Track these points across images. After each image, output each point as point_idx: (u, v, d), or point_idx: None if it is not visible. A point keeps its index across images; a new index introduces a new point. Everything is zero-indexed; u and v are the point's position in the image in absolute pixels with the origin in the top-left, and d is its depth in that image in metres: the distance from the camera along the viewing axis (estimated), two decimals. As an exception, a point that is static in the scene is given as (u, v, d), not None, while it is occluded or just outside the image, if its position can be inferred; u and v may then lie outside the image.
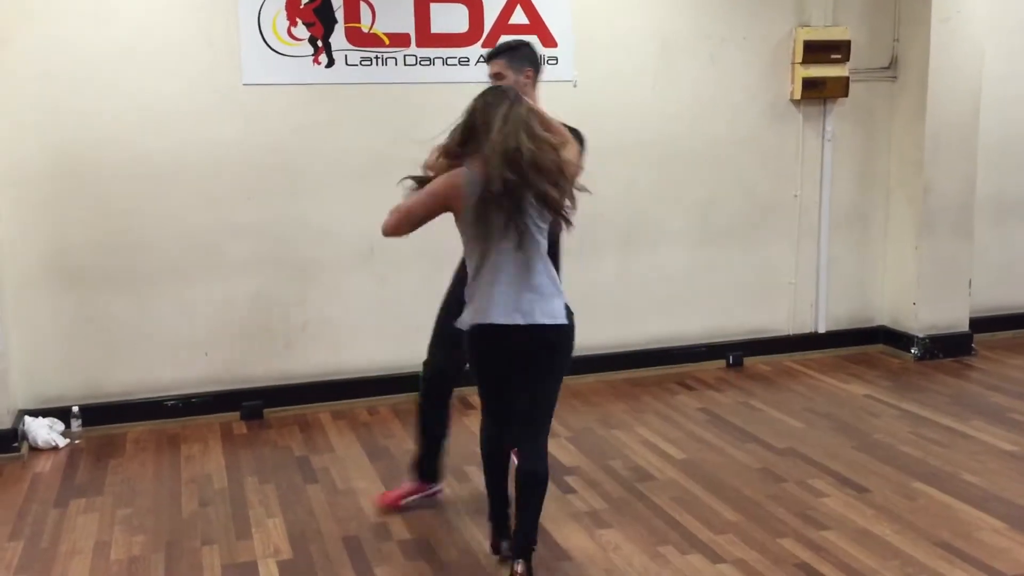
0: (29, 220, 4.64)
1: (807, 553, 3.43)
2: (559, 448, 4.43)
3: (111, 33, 4.63)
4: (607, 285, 5.54)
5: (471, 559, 3.44)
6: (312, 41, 4.90)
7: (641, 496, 3.94)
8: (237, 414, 4.99)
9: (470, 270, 3.11)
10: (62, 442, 4.63)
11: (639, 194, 5.54)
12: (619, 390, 5.37)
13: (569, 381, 5.31)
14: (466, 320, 3.13)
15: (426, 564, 3.41)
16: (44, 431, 4.60)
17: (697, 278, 5.77)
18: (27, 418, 4.63)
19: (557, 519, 3.73)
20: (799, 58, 5.66)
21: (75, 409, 4.75)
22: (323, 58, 4.92)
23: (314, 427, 4.86)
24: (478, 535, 3.61)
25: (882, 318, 6.20)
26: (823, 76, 5.68)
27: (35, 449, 4.57)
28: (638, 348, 5.67)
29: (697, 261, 5.76)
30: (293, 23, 4.86)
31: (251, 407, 4.99)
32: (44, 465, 4.42)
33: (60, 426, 4.71)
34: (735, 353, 5.84)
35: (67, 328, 4.76)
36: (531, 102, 3.19)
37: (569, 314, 3.11)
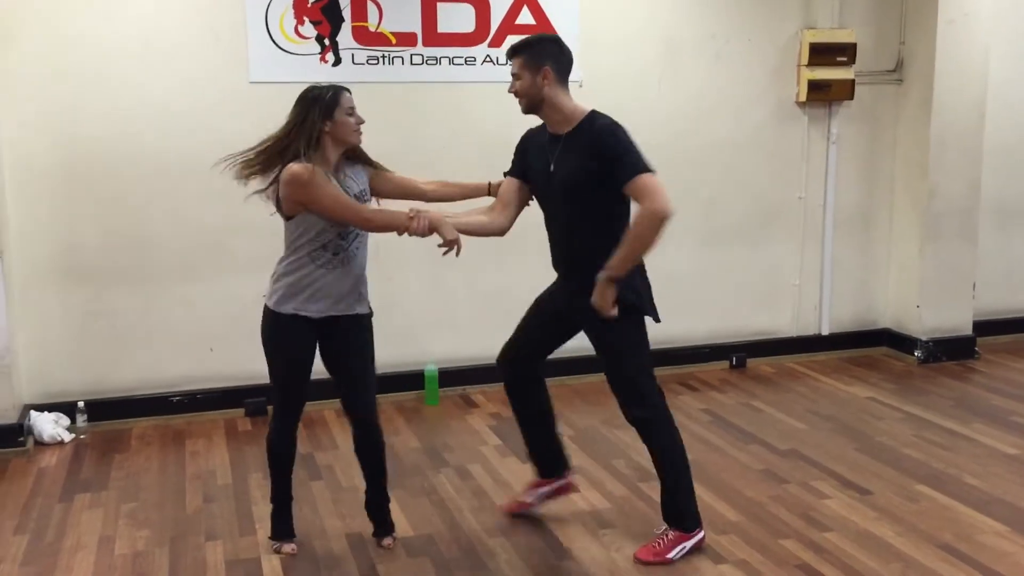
0: (37, 216, 4.66)
1: (809, 554, 3.44)
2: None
3: (119, 30, 4.65)
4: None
5: (473, 556, 3.45)
6: (319, 39, 4.92)
7: (644, 496, 3.95)
8: (242, 410, 5.01)
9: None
10: (67, 437, 4.65)
11: (644, 195, 5.55)
12: (622, 390, 5.38)
13: (573, 380, 5.39)
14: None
15: (429, 561, 3.42)
16: (50, 426, 4.62)
17: (701, 279, 5.78)
18: (33, 413, 4.66)
19: (560, 518, 3.74)
20: (805, 60, 5.67)
21: (80, 404, 4.77)
22: (330, 56, 4.94)
23: (318, 424, 4.87)
24: (481, 532, 3.63)
25: (885, 321, 6.21)
26: (829, 78, 5.69)
27: (40, 444, 4.59)
28: (642, 348, 5.67)
29: (701, 262, 5.77)
30: (300, 21, 4.87)
31: (255, 404, 5.00)
32: (49, 460, 4.44)
33: (66, 421, 4.73)
34: (738, 354, 5.85)
35: (73, 323, 4.79)
36: None
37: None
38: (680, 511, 3.43)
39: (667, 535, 3.41)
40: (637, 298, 3.32)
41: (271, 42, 4.85)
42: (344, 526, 3.71)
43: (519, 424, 3.70)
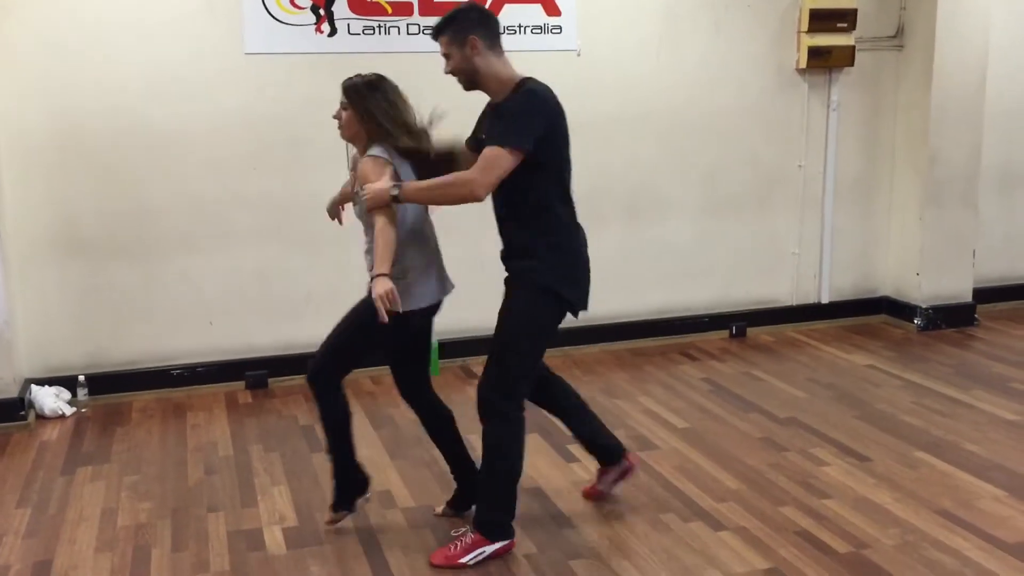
0: (35, 190, 4.65)
1: (808, 521, 3.46)
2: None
3: (114, 2, 4.61)
4: (611, 256, 5.52)
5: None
6: (314, 10, 4.87)
7: (644, 465, 3.96)
8: (242, 383, 5.02)
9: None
10: (69, 411, 4.66)
11: (643, 165, 5.53)
12: (622, 360, 5.39)
13: (572, 351, 5.40)
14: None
15: (430, 532, 3.43)
16: (51, 400, 4.63)
17: (701, 249, 5.77)
18: (34, 387, 4.67)
19: (560, 488, 3.76)
20: (805, 27, 5.62)
21: (81, 378, 4.78)
22: (325, 27, 4.90)
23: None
24: (481, 503, 3.65)
25: (885, 289, 6.20)
26: (829, 45, 5.65)
27: (42, 417, 4.61)
28: (641, 318, 5.68)
29: (701, 232, 5.75)
30: (295, -9, 4.83)
31: (256, 376, 5.02)
32: (51, 433, 4.46)
33: (67, 395, 4.74)
34: (738, 323, 5.86)
35: (73, 297, 4.78)
36: None
37: None
38: (490, 520, 3.22)
39: (465, 537, 3.20)
40: (554, 280, 3.16)
41: (266, 13, 4.80)
42: (345, 497, 3.72)
43: (560, 420, 3.64)
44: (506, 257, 3.27)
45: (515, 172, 3.00)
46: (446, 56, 3.14)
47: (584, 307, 3.27)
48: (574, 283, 3.23)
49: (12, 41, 4.50)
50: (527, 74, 3.18)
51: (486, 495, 3.25)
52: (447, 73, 3.18)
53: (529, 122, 3.00)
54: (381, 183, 3.05)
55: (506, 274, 3.28)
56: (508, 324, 3.19)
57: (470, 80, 3.14)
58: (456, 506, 3.52)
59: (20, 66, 4.53)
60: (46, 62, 4.57)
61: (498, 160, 2.96)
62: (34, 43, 4.54)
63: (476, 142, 3.20)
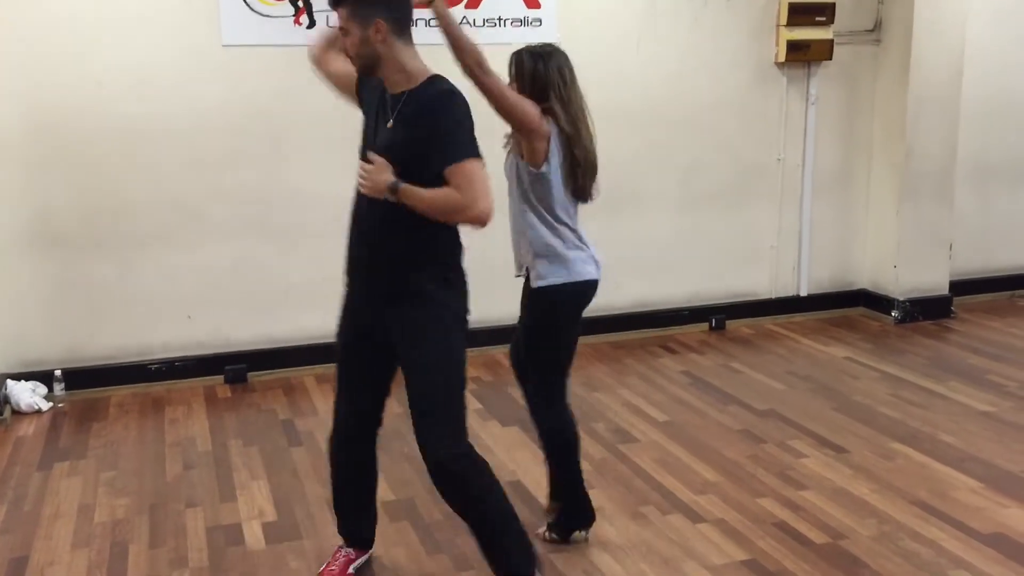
0: (10, 184, 4.59)
1: (785, 512, 3.48)
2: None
3: (88, -8, 4.57)
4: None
5: (455, 520, 3.46)
6: (293, 1, 4.84)
7: (623, 457, 3.98)
8: (221, 378, 4.99)
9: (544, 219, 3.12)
10: (45, 406, 4.62)
11: (622, 159, 5.52)
12: (602, 353, 5.40)
13: (552, 344, 5.39)
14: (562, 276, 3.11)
15: (410, 525, 3.44)
16: (27, 395, 4.59)
17: (680, 242, 5.79)
18: (9, 382, 4.62)
19: (540, 481, 3.76)
20: (784, 20, 5.64)
21: (58, 373, 4.74)
22: (304, 19, 4.87)
23: (298, 390, 4.87)
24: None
25: (863, 281, 6.25)
26: (807, 39, 5.67)
27: (18, 413, 4.56)
28: (621, 312, 5.69)
29: (680, 225, 5.77)
30: (273, -17, 4.79)
31: (235, 371, 4.99)
32: (27, 429, 4.42)
33: (43, 390, 4.70)
34: (717, 316, 5.88)
35: (49, 292, 4.74)
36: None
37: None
38: (508, 566, 2.84)
39: None
40: (455, 301, 2.79)
41: (244, 4, 4.77)
42: (325, 492, 3.69)
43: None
44: (385, 271, 2.79)
45: (430, 178, 2.64)
46: (343, 31, 2.71)
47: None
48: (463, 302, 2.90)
49: (-15, 32, 4.45)
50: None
51: (497, 546, 2.86)
52: (340, 51, 2.88)
53: (470, 127, 2.68)
54: (388, 173, 2.66)
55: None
56: (437, 376, 2.79)
57: (367, 66, 2.73)
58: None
59: (-7, 57, 4.48)
60: (21, 56, 4.51)
61: (480, 174, 2.62)
62: (9, 37, 4.48)
63: (375, 138, 2.79)
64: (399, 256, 2.74)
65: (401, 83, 2.73)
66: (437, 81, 2.73)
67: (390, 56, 2.70)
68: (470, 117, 2.68)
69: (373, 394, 2.96)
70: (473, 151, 2.65)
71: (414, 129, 2.68)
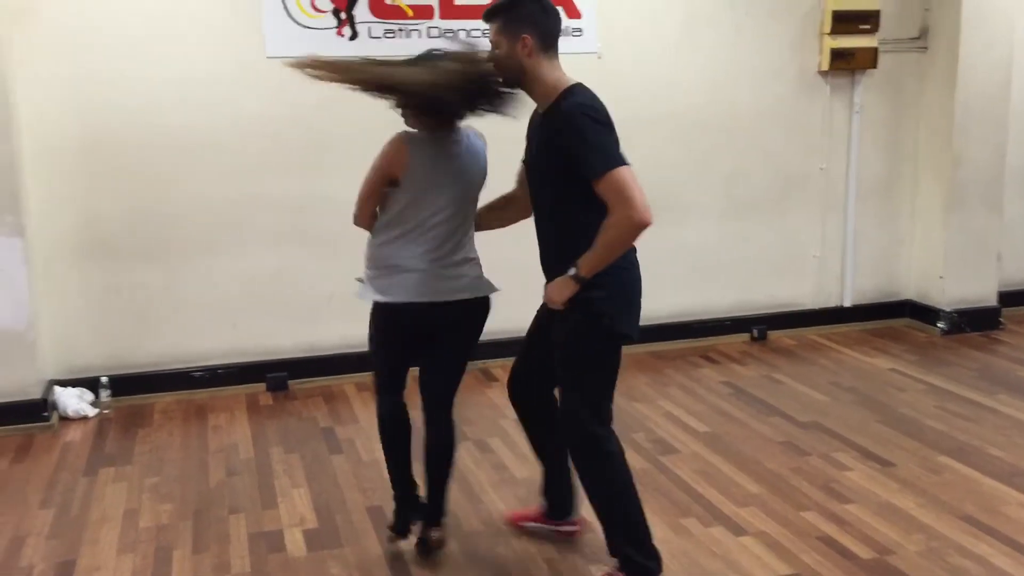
0: (58, 192, 4.68)
1: (830, 526, 3.43)
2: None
3: (137, 4, 4.65)
4: (631, 258, 5.52)
5: (493, 529, 3.47)
6: (335, 13, 4.89)
7: (664, 469, 3.95)
8: (263, 385, 5.04)
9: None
10: (91, 412, 4.70)
11: (664, 167, 5.50)
12: (642, 363, 5.37)
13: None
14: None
15: (448, 531, 3.43)
16: (74, 401, 4.67)
17: (722, 251, 5.74)
18: (57, 388, 4.70)
19: (580, 491, 3.73)
20: (827, 28, 5.58)
21: (104, 379, 4.81)
22: (346, 30, 4.91)
23: (339, 398, 4.90)
24: (501, 505, 3.64)
25: (909, 292, 6.15)
26: (852, 47, 5.61)
27: (65, 419, 4.64)
28: (661, 321, 5.65)
29: (722, 234, 5.73)
30: (316, -5, 4.85)
31: (276, 378, 5.03)
32: (74, 434, 4.49)
33: (89, 396, 4.78)
34: (759, 327, 5.82)
35: (96, 299, 4.82)
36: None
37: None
38: (622, 551, 2.98)
39: None
40: (610, 309, 2.87)
41: (287, 16, 4.82)
42: (365, 499, 3.73)
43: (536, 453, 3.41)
44: (553, 270, 2.97)
45: (580, 183, 2.76)
46: (493, 44, 2.89)
47: (633, 334, 3.00)
48: (625, 311, 2.99)
49: (35, 43, 4.54)
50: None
51: (612, 528, 3.01)
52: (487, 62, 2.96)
53: (607, 135, 2.76)
54: (561, 292, 2.84)
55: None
56: (584, 372, 2.96)
57: (512, 79, 2.90)
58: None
59: (44, 69, 4.57)
60: (69, 64, 4.60)
61: (629, 181, 2.69)
62: (58, 47, 4.57)
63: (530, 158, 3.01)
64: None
65: (542, 99, 2.89)
66: (568, 96, 2.81)
67: (534, 71, 2.84)
68: (598, 125, 2.73)
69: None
70: (605, 163, 2.69)
71: (552, 143, 2.82)
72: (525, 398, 3.29)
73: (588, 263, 2.78)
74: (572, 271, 2.80)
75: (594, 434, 2.93)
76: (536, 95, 2.91)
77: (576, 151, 2.73)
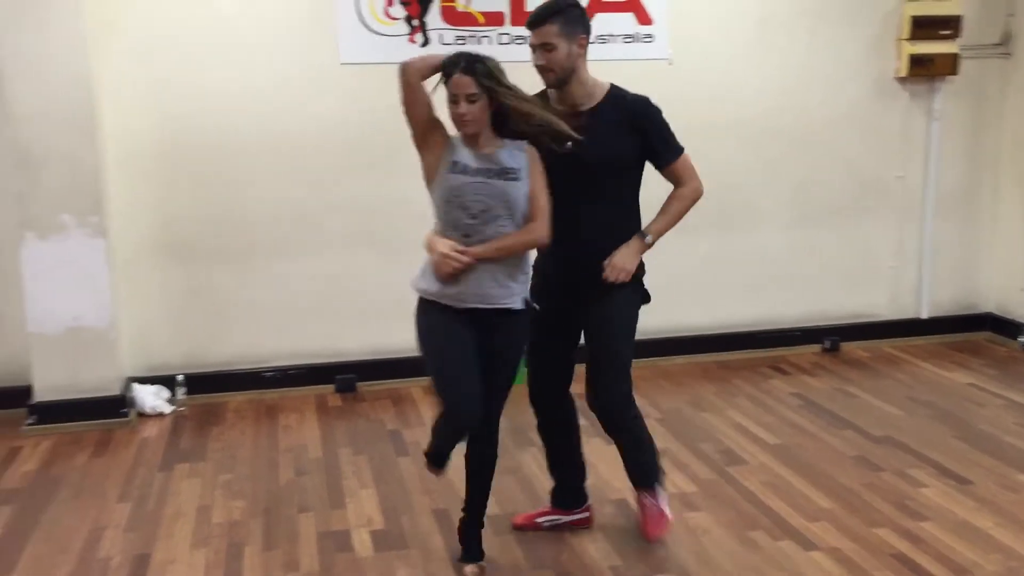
0: (139, 195, 4.83)
1: (904, 544, 3.34)
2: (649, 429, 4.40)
3: (216, 12, 4.77)
4: (700, 266, 5.47)
5: (556, 535, 3.46)
6: (408, 20, 4.95)
7: (731, 480, 3.90)
8: (332, 387, 5.11)
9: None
10: (167, 409, 4.82)
11: (735, 174, 5.44)
12: (710, 372, 5.31)
13: (659, 362, 5.35)
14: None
15: (513, 539, 3.44)
16: (151, 398, 4.80)
17: (793, 260, 5.65)
18: (135, 385, 4.84)
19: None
20: (906, 34, 5.46)
21: (179, 378, 4.94)
22: (419, 37, 4.97)
23: (406, 401, 4.94)
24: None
25: (988, 304, 5.97)
26: (931, 53, 5.47)
27: (143, 415, 4.77)
28: (730, 331, 5.58)
29: (794, 242, 5.64)
30: (389, 2, 4.91)
31: (345, 380, 5.10)
32: (151, 431, 4.61)
33: (166, 393, 4.90)
34: (831, 338, 5.71)
35: (174, 299, 4.95)
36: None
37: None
38: (646, 471, 3.36)
39: (646, 499, 3.33)
40: (642, 275, 3.24)
41: (361, 23, 4.90)
42: (431, 502, 3.76)
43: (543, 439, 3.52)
44: (593, 253, 3.12)
45: (638, 170, 3.17)
46: (547, 46, 2.95)
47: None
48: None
49: (116, 52, 4.68)
50: (619, 83, 3.20)
51: (638, 458, 3.35)
52: (538, 65, 3.01)
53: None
54: (627, 260, 3.11)
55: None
56: (624, 334, 3.24)
57: (562, 79, 3.01)
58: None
59: (126, 75, 4.72)
60: (148, 72, 4.74)
61: (691, 162, 3.16)
62: (140, 57, 4.72)
63: (550, 158, 3.00)
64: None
65: (582, 97, 3.06)
66: (620, 90, 3.12)
67: (580, 70, 3.02)
68: (663, 114, 3.14)
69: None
70: (679, 146, 3.15)
71: (626, 133, 3.06)
72: (549, 402, 3.48)
73: (659, 230, 3.15)
74: (648, 238, 3.13)
75: (631, 395, 3.29)
76: (579, 94, 3.07)
77: (656, 134, 3.10)
